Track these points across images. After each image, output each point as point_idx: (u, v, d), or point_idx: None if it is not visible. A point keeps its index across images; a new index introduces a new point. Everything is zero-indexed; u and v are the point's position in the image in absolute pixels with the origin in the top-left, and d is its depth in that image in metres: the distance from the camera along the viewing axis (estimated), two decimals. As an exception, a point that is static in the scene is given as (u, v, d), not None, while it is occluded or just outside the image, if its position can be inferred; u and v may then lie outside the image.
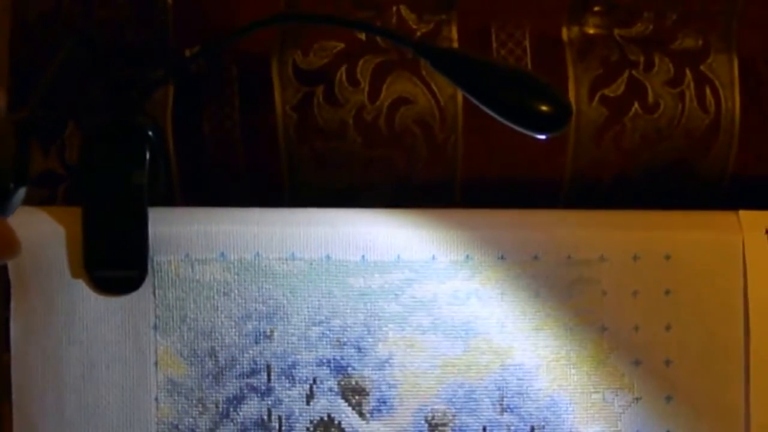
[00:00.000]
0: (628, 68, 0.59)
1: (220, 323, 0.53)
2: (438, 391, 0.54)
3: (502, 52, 0.58)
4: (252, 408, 0.53)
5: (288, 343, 0.53)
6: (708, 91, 0.59)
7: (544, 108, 0.37)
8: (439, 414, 0.54)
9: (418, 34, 0.57)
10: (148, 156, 0.52)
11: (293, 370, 0.53)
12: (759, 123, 0.60)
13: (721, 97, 0.59)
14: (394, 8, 0.57)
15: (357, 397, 0.53)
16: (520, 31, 0.58)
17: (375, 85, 0.57)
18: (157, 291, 0.52)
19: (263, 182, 0.58)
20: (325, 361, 0.53)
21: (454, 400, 0.54)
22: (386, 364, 0.53)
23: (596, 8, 0.59)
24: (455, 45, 0.58)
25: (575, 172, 0.59)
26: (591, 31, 0.59)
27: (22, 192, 0.43)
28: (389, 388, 0.53)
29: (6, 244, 0.41)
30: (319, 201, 0.56)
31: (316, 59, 0.57)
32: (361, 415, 0.53)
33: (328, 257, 0.53)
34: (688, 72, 0.59)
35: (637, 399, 0.55)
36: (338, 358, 0.53)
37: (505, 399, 0.54)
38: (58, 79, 0.50)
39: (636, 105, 0.58)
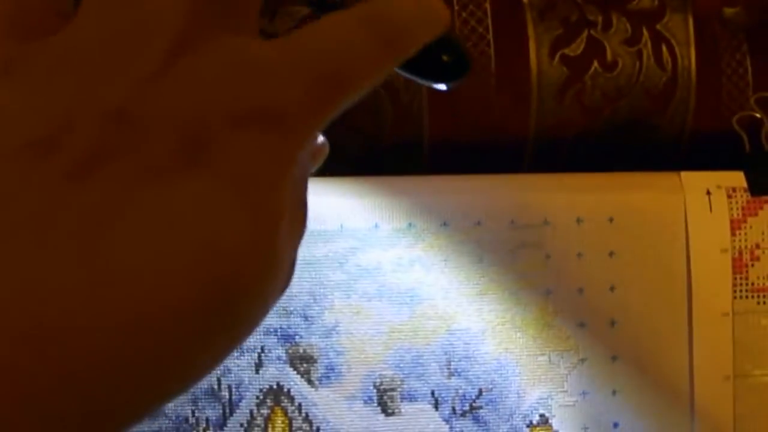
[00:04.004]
0: (587, 28, 0.59)
1: (168, 295, 0.53)
2: (385, 357, 0.55)
3: (463, 14, 0.59)
4: (202, 378, 0.54)
5: (235, 313, 0.53)
6: (665, 49, 0.60)
7: (444, 58, 0.37)
8: (387, 379, 0.55)
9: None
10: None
11: (241, 340, 0.54)
12: (715, 80, 0.61)
13: (677, 55, 0.60)
14: (358, -28, 0.58)
15: (305, 365, 0.54)
16: (480, -8, 0.59)
17: (339, 47, 0.57)
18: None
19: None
20: (272, 330, 0.54)
21: (401, 365, 0.55)
22: (333, 332, 0.54)
23: (556, -31, 0.59)
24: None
25: (539, 131, 0.60)
26: (551, -9, 0.60)
27: None
28: (337, 355, 0.54)
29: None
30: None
31: (282, 24, 0.57)
32: (309, 382, 0.54)
33: (272, 228, 0.53)
34: (645, 31, 0.60)
35: (582, 360, 0.56)
36: (285, 326, 0.54)
37: (452, 363, 0.55)
38: None
39: (595, 63, 0.59)
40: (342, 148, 0.59)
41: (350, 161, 0.58)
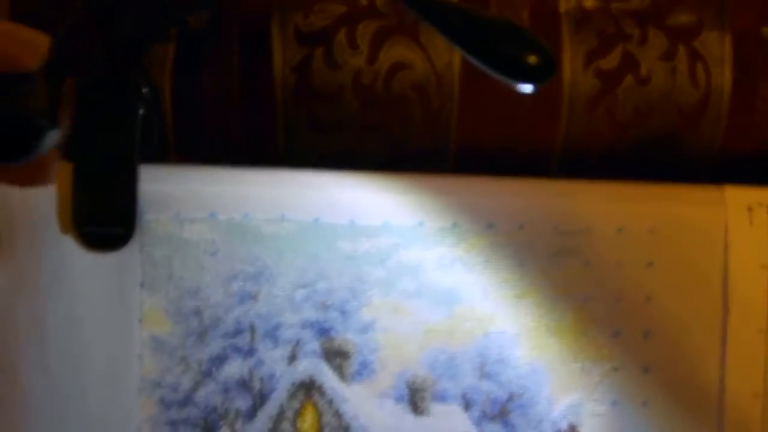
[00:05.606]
0: (622, 41, 0.59)
1: (206, 283, 0.53)
2: (420, 356, 0.54)
3: (500, 22, 0.58)
4: (234, 368, 0.53)
5: (273, 304, 0.53)
6: (699, 66, 0.59)
7: (531, 59, 0.37)
8: (420, 379, 0.54)
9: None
10: (141, 114, 0.51)
11: (277, 332, 0.53)
12: (748, 100, 0.60)
13: (712, 72, 0.60)
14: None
15: (339, 360, 0.54)
16: (518, 1, 0.59)
17: (374, 49, 0.57)
18: (144, 249, 0.52)
19: (259, 143, 0.58)
20: (308, 323, 0.53)
21: (435, 365, 0.54)
22: (369, 328, 0.54)
23: (594, -19, 0.59)
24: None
25: (566, 142, 0.59)
26: (588, 3, 0.59)
27: (54, 134, 0.43)
28: (371, 351, 0.54)
29: None
30: (313, 164, 0.56)
31: (316, 21, 0.57)
32: (342, 377, 0.54)
33: (316, 220, 0.53)
34: (681, 47, 0.59)
35: (615, 369, 0.56)
36: (322, 320, 0.53)
37: (485, 366, 0.55)
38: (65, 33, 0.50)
39: (629, 77, 0.59)
40: (367, 149, 0.59)
41: (374, 163, 0.58)
